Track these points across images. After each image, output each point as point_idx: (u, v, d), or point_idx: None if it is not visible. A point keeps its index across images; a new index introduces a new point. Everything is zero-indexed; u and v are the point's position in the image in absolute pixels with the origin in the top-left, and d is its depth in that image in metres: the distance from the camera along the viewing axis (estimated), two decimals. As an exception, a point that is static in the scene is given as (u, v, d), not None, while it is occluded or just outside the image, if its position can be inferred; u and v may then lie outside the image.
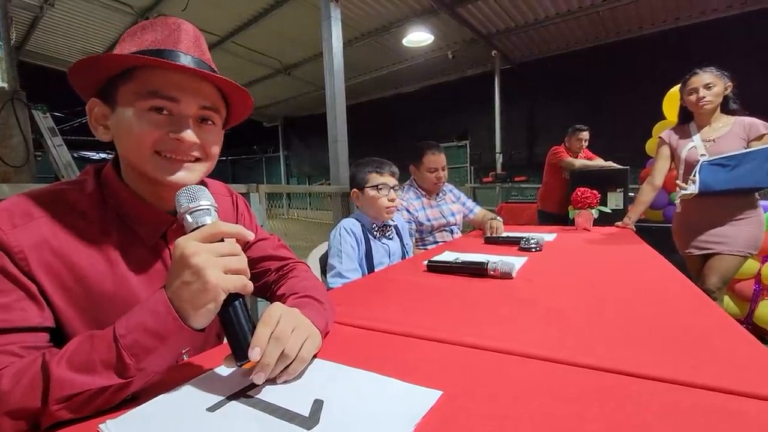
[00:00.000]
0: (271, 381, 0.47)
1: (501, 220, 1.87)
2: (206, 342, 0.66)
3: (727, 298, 2.19)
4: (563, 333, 0.61)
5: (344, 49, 3.79)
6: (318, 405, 0.42)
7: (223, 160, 14.55)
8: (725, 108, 1.74)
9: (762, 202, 1.73)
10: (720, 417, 0.38)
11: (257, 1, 5.16)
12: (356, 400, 0.43)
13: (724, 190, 1.61)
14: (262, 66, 7.49)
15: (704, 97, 1.68)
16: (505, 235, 1.71)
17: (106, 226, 0.54)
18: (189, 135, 0.53)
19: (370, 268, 1.32)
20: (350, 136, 3.72)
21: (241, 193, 0.80)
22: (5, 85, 3.30)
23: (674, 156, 1.88)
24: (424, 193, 1.97)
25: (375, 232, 1.41)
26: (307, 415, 0.40)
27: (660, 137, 1.93)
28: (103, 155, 11.50)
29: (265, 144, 13.73)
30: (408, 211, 1.86)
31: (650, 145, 3.12)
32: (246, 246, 0.70)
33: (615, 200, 2.68)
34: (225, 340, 0.48)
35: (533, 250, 1.38)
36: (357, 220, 1.38)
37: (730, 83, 1.70)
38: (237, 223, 0.71)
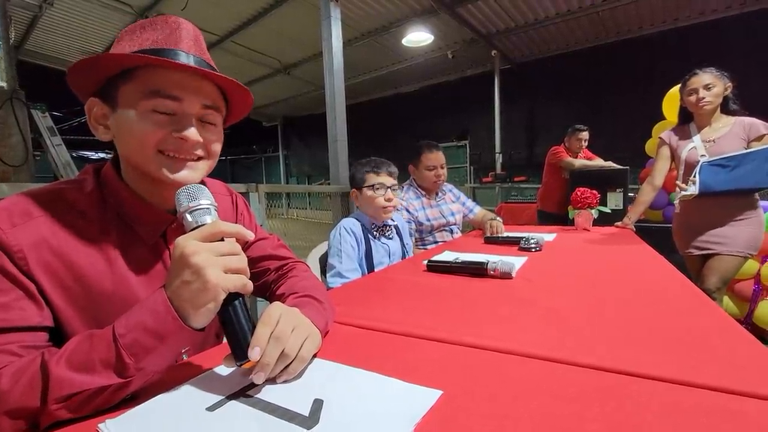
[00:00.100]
0: (271, 381, 0.47)
1: (501, 220, 1.87)
2: (206, 341, 0.66)
3: (726, 299, 2.20)
4: (563, 333, 0.61)
5: (344, 48, 3.78)
6: (318, 404, 0.42)
7: (223, 160, 14.50)
8: (725, 108, 1.74)
9: (762, 203, 1.73)
10: (720, 417, 0.38)
11: (257, 0, 5.16)
12: (356, 400, 0.43)
13: (724, 191, 1.61)
14: (261, 65, 7.49)
15: (704, 98, 1.68)
16: (504, 235, 1.71)
17: (105, 225, 0.54)
18: (192, 134, 0.53)
19: (370, 267, 1.32)
20: (350, 135, 3.72)
21: (240, 193, 0.80)
22: (4, 84, 3.29)
23: (674, 156, 1.88)
24: (423, 192, 1.97)
25: (375, 232, 1.41)
26: (307, 415, 0.40)
27: (660, 137, 1.93)
28: (102, 155, 11.48)
29: (265, 144, 13.72)
30: (408, 210, 1.86)
31: (650, 146, 3.12)
32: (245, 245, 0.69)
33: (615, 200, 2.68)
34: (224, 340, 0.48)
35: (533, 250, 1.38)
36: (357, 219, 1.38)
37: (729, 84, 1.70)
38: (236, 223, 0.72)
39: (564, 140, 3.21)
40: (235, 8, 5.30)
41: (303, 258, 0.83)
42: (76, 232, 0.51)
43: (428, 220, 1.90)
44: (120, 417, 0.40)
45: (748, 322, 2.19)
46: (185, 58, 0.53)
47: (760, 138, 1.63)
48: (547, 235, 1.75)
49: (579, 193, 1.96)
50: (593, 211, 1.96)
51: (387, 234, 1.44)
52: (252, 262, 0.57)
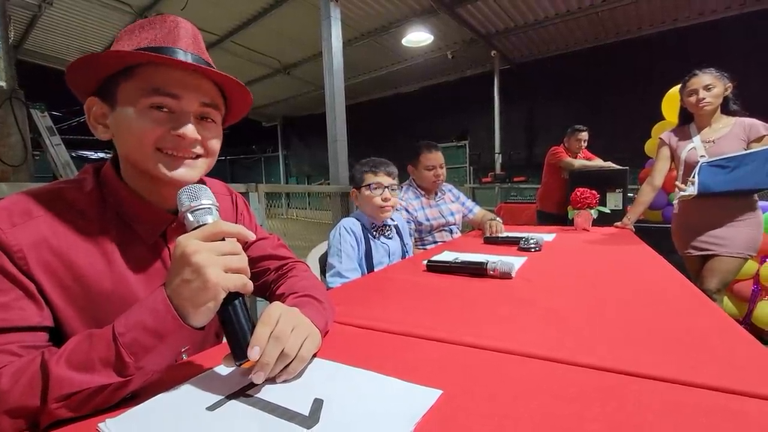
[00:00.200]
0: (271, 380, 0.47)
1: (500, 220, 1.87)
2: (205, 341, 0.66)
3: (725, 299, 2.20)
4: (563, 333, 0.61)
5: (344, 48, 3.78)
6: (318, 404, 0.42)
7: (222, 160, 14.54)
8: (725, 109, 1.74)
9: (761, 204, 1.73)
10: (721, 416, 0.38)
11: (257, 0, 5.16)
12: (356, 400, 0.43)
13: (723, 192, 1.61)
14: (261, 65, 7.48)
15: (704, 99, 1.68)
16: (504, 235, 1.71)
17: (105, 224, 0.54)
18: (190, 131, 0.53)
19: (370, 267, 1.32)
20: (349, 135, 3.72)
21: (240, 193, 0.80)
22: (3, 83, 3.29)
23: (674, 157, 1.88)
24: (423, 192, 1.97)
25: (374, 232, 1.41)
26: (307, 414, 0.40)
27: (660, 138, 1.93)
28: (101, 154, 11.48)
29: (264, 144, 13.71)
30: (407, 210, 1.86)
31: (649, 146, 3.13)
32: (246, 245, 0.70)
33: (614, 201, 2.68)
34: (224, 340, 0.48)
35: (532, 250, 1.38)
36: (357, 219, 1.38)
37: (730, 84, 1.70)
38: (236, 223, 0.72)
39: (563, 140, 3.21)
40: (234, 8, 5.30)
41: (302, 258, 0.83)
42: (76, 231, 0.51)
43: (427, 219, 1.90)
44: (120, 416, 0.40)
45: (747, 322, 2.19)
46: (184, 56, 0.53)
47: (759, 139, 1.63)
48: (546, 236, 1.75)
49: (578, 194, 1.96)
50: (593, 211, 1.96)
51: (387, 234, 1.44)
52: (252, 261, 0.57)
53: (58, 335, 0.50)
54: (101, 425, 0.38)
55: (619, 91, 6.25)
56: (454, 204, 2.06)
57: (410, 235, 1.79)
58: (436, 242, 1.92)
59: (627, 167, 2.81)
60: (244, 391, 0.45)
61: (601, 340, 0.58)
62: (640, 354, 0.52)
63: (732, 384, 0.43)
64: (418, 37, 5.77)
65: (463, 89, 8.07)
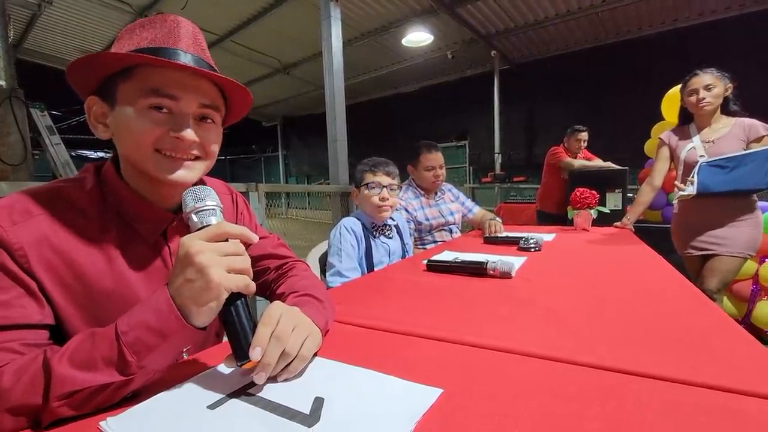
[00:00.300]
0: (272, 379, 0.47)
1: (500, 220, 1.87)
2: (206, 340, 0.66)
3: (725, 299, 2.20)
4: (563, 332, 0.61)
5: (344, 48, 3.78)
6: (319, 403, 0.42)
7: (222, 160, 14.53)
8: (725, 109, 1.74)
9: (760, 204, 1.74)
10: (720, 415, 0.38)
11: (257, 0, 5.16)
12: (357, 398, 0.43)
13: (723, 192, 1.61)
14: (261, 65, 7.48)
15: (704, 99, 1.69)
16: (504, 234, 1.71)
17: (105, 223, 0.54)
18: (189, 134, 0.53)
19: (370, 267, 1.32)
20: (349, 135, 3.72)
21: (240, 193, 0.80)
22: (3, 83, 3.29)
23: (673, 157, 1.88)
24: (422, 192, 1.97)
25: (375, 232, 1.41)
26: (308, 413, 0.40)
27: (660, 138, 1.93)
28: (101, 154, 11.46)
29: (264, 143, 13.71)
30: (407, 210, 1.87)
31: (649, 146, 3.13)
32: (247, 245, 0.70)
33: (614, 201, 2.68)
34: (225, 339, 0.48)
35: (532, 250, 1.38)
36: (357, 219, 1.38)
37: (730, 85, 1.70)
38: (236, 222, 0.72)
39: (563, 141, 3.21)
40: (234, 8, 5.30)
41: (302, 257, 0.84)
42: (77, 230, 0.51)
43: (427, 219, 1.90)
44: (121, 415, 0.40)
45: (746, 322, 2.20)
46: (184, 57, 0.53)
47: (759, 139, 1.63)
48: (546, 235, 1.75)
49: (578, 194, 1.96)
50: (592, 211, 1.96)
51: (387, 234, 1.44)
52: (252, 260, 0.57)
53: (58, 333, 0.50)
54: (102, 423, 0.39)
55: (618, 92, 6.26)
56: (454, 204, 2.06)
57: (410, 235, 1.79)
58: (435, 242, 1.92)
59: (626, 167, 2.81)
60: (245, 390, 0.45)
61: (600, 339, 0.58)
62: (640, 353, 0.52)
63: (732, 383, 0.44)
64: (418, 37, 5.78)
65: (463, 89, 8.08)
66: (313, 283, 0.70)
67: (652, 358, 0.51)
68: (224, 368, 0.50)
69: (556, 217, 3.04)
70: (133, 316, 0.42)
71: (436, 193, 2.01)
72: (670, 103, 2.70)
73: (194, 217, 0.47)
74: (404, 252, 1.50)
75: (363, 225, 1.37)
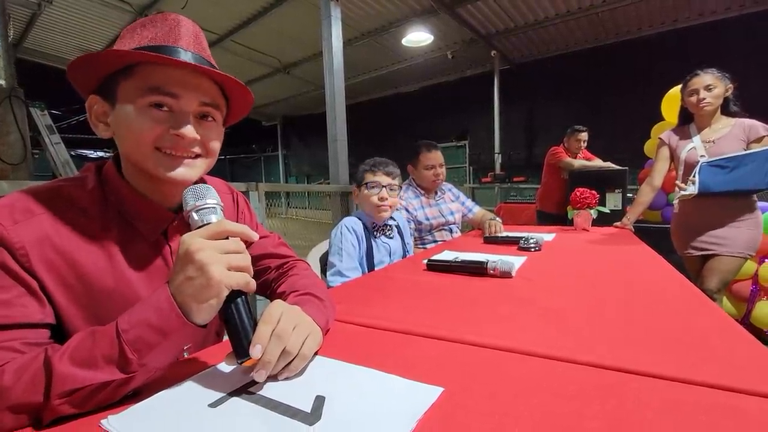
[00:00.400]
0: (273, 378, 0.47)
1: (500, 220, 1.87)
2: (207, 339, 0.66)
3: (724, 299, 2.20)
4: (563, 331, 0.62)
5: (344, 48, 3.78)
6: (320, 401, 0.42)
7: (222, 159, 14.52)
8: (725, 110, 1.74)
9: (760, 204, 1.74)
10: (720, 414, 0.38)
11: (257, -1, 5.16)
12: (358, 397, 0.43)
13: (723, 192, 1.61)
14: (261, 65, 7.48)
15: (704, 99, 1.69)
16: (504, 234, 1.71)
17: (106, 222, 0.54)
18: (189, 131, 0.53)
19: (371, 266, 1.32)
20: (349, 135, 3.72)
21: (240, 192, 0.80)
22: (3, 82, 3.29)
23: (673, 157, 1.88)
24: (422, 192, 1.97)
25: (376, 231, 1.41)
26: (309, 411, 0.40)
27: (660, 138, 1.93)
28: (101, 153, 11.46)
29: (264, 143, 13.70)
30: (407, 210, 1.87)
31: (649, 146, 3.13)
32: (247, 244, 0.70)
33: (614, 201, 2.69)
34: (225, 338, 0.48)
35: (532, 249, 1.38)
36: (358, 218, 1.38)
37: (730, 85, 1.70)
38: (237, 221, 0.72)
39: (563, 141, 3.21)
40: (235, 7, 5.30)
41: (302, 257, 0.84)
42: (78, 229, 0.51)
43: (427, 219, 1.90)
44: (122, 413, 0.40)
45: (745, 322, 2.20)
46: (184, 55, 0.53)
47: (759, 140, 1.63)
48: (546, 235, 1.75)
49: (578, 194, 1.96)
50: (592, 211, 1.97)
51: (388, 233, 1.45)
52: (253, 260, 0.57)
53: (59, 332, 0.50)
54: (104, 422, 0.39)
55: (618, 92, 6.26)
56: (454, 203, 2.06)
57: (410, 235, 1.80)
58: (436, 242, 1.92)
59: (626, 167, 2.82)
60: (246, 388, 0.45)
61: (600, 338, 0.58)
62: (640, 352, 0.53)
63: (731, 382, 0.44)
64: (418, 37, 5.78)
65: (463, 89, 8.08)
66: (314, 282, 0.70)
67: (652, 357, 0.51)
68: (225, 367, 0.50)
69: (556, 217, 3.05)
70: (134, 314, 0.42)
71: (436, 193, 2.01)
72: (670, 103, 2.71)
73: (195, 215, 0.48)
74: (405, 252, 1.50)
75: (364, 225, 1.37)
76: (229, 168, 15.23)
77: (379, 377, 0.47)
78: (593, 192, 1.96)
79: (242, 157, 14.75)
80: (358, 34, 6.13)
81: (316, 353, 0.53)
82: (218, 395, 0.44)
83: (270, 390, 0.45)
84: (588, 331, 0.61)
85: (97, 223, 0.53)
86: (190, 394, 0.44)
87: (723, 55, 4.22)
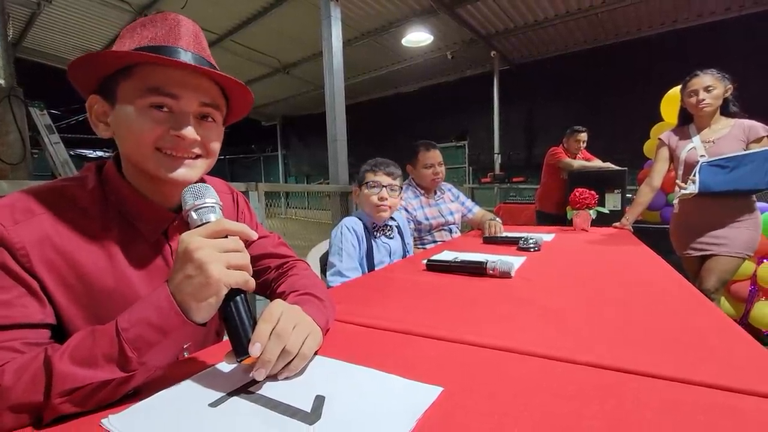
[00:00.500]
0: (273, 377, 0.47)
1: (500, 220, 1.87)
2: (206, 339, 0.66)
3: (723, 299, 2.21)
4: (562, 331, 0.62)
5: (344, 48, 3.78)
6: (320, 401, 0.42)
7: (221, 159, 14.49)
8: (725, 110, 1.74)
9: (759, 204, 1.74)
10: (719, 413, 0.39)
11: (257, -1, 5.16)
12: (358, 396, 0.43)
13: (723, 192, 1.61)
14: (261, 65, 7.47)
15: (704, 100, 1.69)
16: (503, 234, 1.71)
17: (107, 222, 0.54)
18: (189, 132, 0.53)
19: (371, 266, 1.33)
20: (349, 135, 3.72)
21: (240, 192, 0.80)
22: (2, 81, 3.28)
23: (673, 157, 1.89)
24: (422, 191, 1.97)
25: (376, 231, 1.41)
26: (309, 411, 0.40)
27: (659, 138, 1.94)
28: (100, 153, 11.45)
29: (264, 143, 13.69)
30: (406, 210, 1.87)
31: (648, 147, 3.14)
32: (246, 244, 0.70)
33: (613, 201, 2.69)
34: (225, 337, 0.48)
35: (532, 249, 1.39)
36: (359, 218, 1.38)
37: (730, 86, 1.70)
38: (237, 220, 0.72)
39: (562, 141, 3.22)
40: (234, 7, 5.29)
41: (302, 257, 0.84)
42: (78, 229, 0.51)
43: (427, 219, 1.90)
44: (123, 412, 0.40)
45: (744, 322, 2.20)
46: (184, 55, 0.53)
47: (759, 140, 1.64)
48: (545, 236, 1.75)
49: (577, 194, 1.97)
50: (591, 211, 1.97)
51: (388, 234, 1.45)
52: (252, 259, 0.57)
53: (60, 332, 0.50)
54: (104, 421, 0.39)
55: (618, 92, 6.26)
56: (454, 203, 2.06)
57: (410, 235, 1.80)
58: (435, 242, 1.92)
59: (626, 168, 2.82)
60: (246, 388, 0.45)
61: (599, 338, 0.58)
62: (639, 352, 0.53)
63: (730, 382, 0.44)
64: (417, 37, 5.78)
65: (462, 89, 8.08)
66: (314, 282, 0.70)
67: (651, 357, 0.51)
68: (225, 366, 0.50)
69: (555, 217, 3.05)
70: (134, 312, 0.42)
71: (435, 193, 2.02)
72: (670, 103, 2.71)
73: (194, 215, 0.48)
74: (405, 252, 1.50)
75: (364, 225, 1.37)
76: (228, 168, 15.22)
77: (379, 377, 0.47)
78: (592, 192, 1.97)
79: (242, 157, 14.75)
80: (358, 34, 6.13)
81: (315, 353, 0.53)
82: (218, 395, 0.44)
83: (270, 389, 0.45)
84: (587, 331, 0.61)
85: (98, 223, 0.53)
86: (190, 393, 0.44)
87: (722, 55, 4.23)
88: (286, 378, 0.47)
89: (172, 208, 0.60)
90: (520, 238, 1.45)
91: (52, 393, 0.38)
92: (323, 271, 1.34)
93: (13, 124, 3.26)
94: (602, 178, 2.76)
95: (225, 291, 0.44)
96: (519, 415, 0.39)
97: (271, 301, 0.57)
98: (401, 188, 1.44)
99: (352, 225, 1.33)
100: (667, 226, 1.99)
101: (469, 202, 2.13)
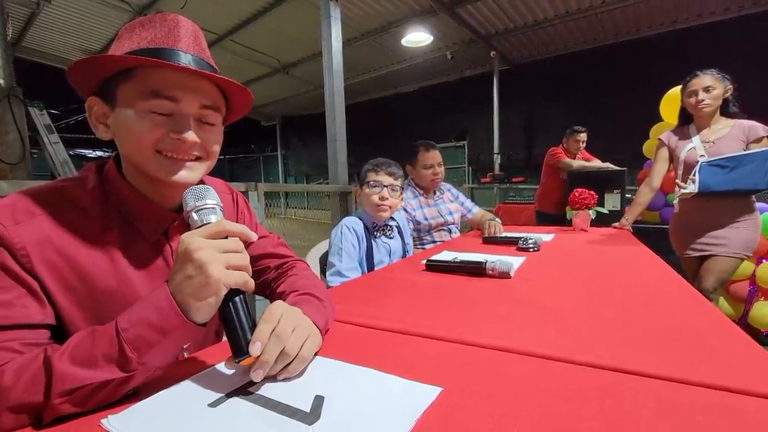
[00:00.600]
0: (272, 378, 0.47)
1: (499, 220, 1.87)
2: (206, 339, 0.66)
3: (721, 299, 2.21)
4: (561, 331, 0.62)
5: (343, 48, 3.78)
6: (319, 401, 0.42)
7: (221, 159, 14.41)
8: (725, 111, 1.74)
9: (759, 205, 1.74)
10: (717, 414, 0.39)
11: (256, -1, 5.16)
12: (357, 397, 0.43)
13: (723, 191, 1.62)
14: (260, 65, 7.48)
15: (703, 100, 1.69)
16: (503, 235, 1.71)
17: (107, 222, 0.54)
18: (190, 135, 0.53)
19: (370, 266, 1.33)
20: (349, 135, 3.72)
21: (240, 192, 0.80)
22: (1, 81, 3.28)
23: (673, 157, 1.89)
24: (421, 192, 1.98)
25: (376, 231, 1.41)
26: (308, 411, 0.40)
27: (659, 139, 1.94)
28: (99, 153, 11.44)
29: (263, 143, 13.69)
30: (405, 210, 1.87)
31: (648, 147, 3.14)
32: (246, 244, 0.70)
33: (612, 201, 2.69)
34: (225, 338, 0.48)
35: (531, 250, 1.39)
36: (359, 218, 1.38)
37: (730, 86, 1.70)
38: (237, 221, 0.72)
39: (562, 141, 3.22)
40: (234, 7, 5.29)
41: (301, 257, 0.84)
42: (79, 229, 0.51)
43: (426, 219, 1.90)
44: (123, 412, 0.40)
45: (743, 322, 2.21)
46: (184, 58, 0.53)
47: (759, 140, 1.64)
48: (545, 236, 1.75)
49: (577, 194, 1.97)
50: (591, 211, 1.97)
51: (388, 234, 1.45)
52: (252, 260, 0.58)
53: (59, 333, 0.50)
54: (104, 421, 0.39)
55: (617, 92, 6.27)
56: (453, 204, 2.07)
57: (410, 235, 1.80)
58: (434, 242, 1.92)
59: (625, 168, 2.82)
60: (245, 388, 0.45)
61: (598, 338, 0.58)
62: (638, 352, 0.53)
63: (728, 382, 0.44)
64: (417, 38, 5.78)
65: (462, 89, 8.08)
66: (313, 282, 0.70)
67: (650, 357, 0.51)
68: (224, 366, 0.50)
69: (554, 217, 3.05)
70: (134, 313, 0.42)
71: (435, 193, 2.02)
72: (669, 104, 2.71)
73: (194, 216, 0.48)
74: (405, 252, 1.50)
75: (364, 224, 1.37)
76: (228, 168, 15.22)
77: (378, 377, 0.47)
78: (592, 192, 1.97)
79: (241, 157, 14.75)
80: (358, 34, 6.13)
81: (315, 354, 0.53)
82: (218, 395, 0.44)
83: (269, 390, 0.45)
84: (586, 332, 0.61)
85: (98, 223, 0.53)
86: (189, 393, 0.45)
87: (722, 56, 4.24)
88: (285, 379, 0.47)
89: (172, 209, 0.60)
90: (520, 238, 1.45)
91: (51, 393, 0.38)
92: (323, 271, 1.34)
93: (13, 123, 3.26)
94: (602, 179, 2.76)
95: (224, 291, 0.44)
96: (518, 416, 0.39)
97: (270, 301, 0.57)
98: (402, 189, 1.44)
99: (352, 225, 1.33)
100: (667, 227, 2.00)
101: (468, 203, 2.14)
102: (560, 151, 3.16)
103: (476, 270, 1.02)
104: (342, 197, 3.21)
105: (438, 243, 1.88)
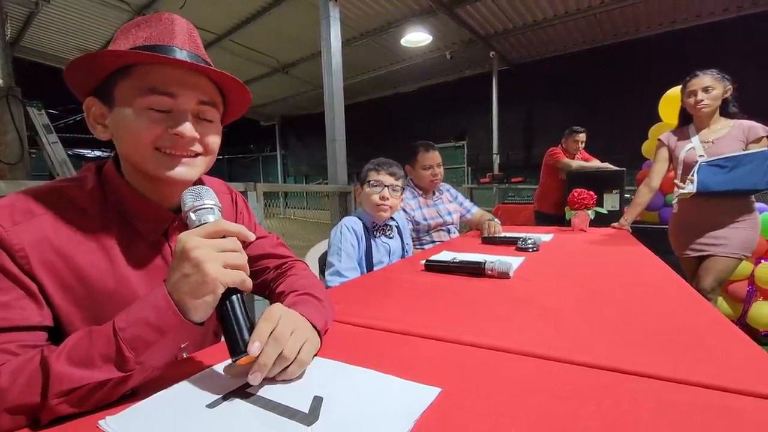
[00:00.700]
0: (270, 379, 0.47)
1: (498, 220, 1.87)
2: (204, 339, 0.66)
3: (720, 299, 2.21)
4: (560, 332, 0.62)
5: (343, 48, 3.78)
6: (318, 402, 0.42)
7: (220, 159, 14.42)
8: (724, 111, 1.75)
9: (758, 205, 1.74)
10: (716, 414, 0.39)
11: (256, -1, 5.15)
12: (356, 397, 0.43)
13: (722, 191, 1.62)
14: (259, 65, 7.46)
15: (702, 101, 1.69)
16: (502, 235, 1.71)
17: (106, 222, 0.54)
18: (188, 129, 0.53)
19: (370, 266, 1.33)
20: (348, 135, 3.72)
21: (239, 192, 0.80)
22: (0, 81, 3.27)
23: (672, 157, 1.89)
24: (420, 192, 1.98)
25: (375, 231, 1.41)
26: (307, 412, 0.40)
27: (659, 139, 1.94)
28: (98, 153, 11.42)
29: (262, 143, 13.67)
30: (404, 210, 1.87)
31: (647, 147, 3.14)
32: (245, 244, 0.70)
33: (611, 201, 2.70)
34: (223, 338, 0.48)
35: (530, 250, 1.39)
36: (359, 218, 1.38)
37: (730, 86, 1.71)
38: (236, 221, 0.72)
39: (561, 141, 3.22)
40: (233, 7, 5.28)
41: (301, 257, 0.84)
42: (78, 230, 0.51)
43: (425, 219, 1.90)
44: (120, 413, 0.40)
45: (741, 322, 2.21)
46: (180, 54, 0.53)
47: (758, 140, 1.64)
48: (544, 236, 1.76)
49: (576, 194, 1.97)
50: (590, 212, 1.97)
51: (388, 233, 1.45)
52: (251, 260, 0.58)
53: (57, 334, 0.49)
54: (101, 422, 0.39)
55: (616, 93, 6.27)
56: (452, 204, 2.07)
57: (409, 235, 1.80)
58: (434, 242, 1.92)
59: (624, 168, 2.83)
60: (243, 389, 0.45)
61: (597, 339, 0.58)
62: (636, 353, 0.53)
63: (727, 382, 0.44)
64: (416, 38, 5.78)
65: (461, 90, 8.08)
66: (313, 282, 0.70)
67: (649, 357, 0.51)
68: (223, 367, 0.50)
69: (553, 217, 3.06)
70: (131, 312, 0.42)
71: (434, 193, 2.02)
72: (668, 104, 2.71)
73: (192, 215, 0.48)
74: (404, 252, 1.50)
75: (364, 224, 1.37)
76: (227, 168, 15.19)
77: (377, 378, 0.47)
78: (591, 193, 1.97)
79: (240, 157, 14.73)
80: (357, 34, 6.13)
81: (314, 357, 0.53)
82: (216, 396, 0.44)
83: (268, 391, 0.45)
84: (585, 332, 0.62)
85: (97, 223, 0.53)
86: (187, 394, 0.44)
87: (721, 56, 4.23)
88: (284, 381, 0.47)
89: (171, 208, 0.59)
90: (519, 238, 1.45)
91: (49, 394, 0.38)
92: (322, 271, 1.34)
93: (11, 123, 3.25)
94: (601, 179, 2.76)
95: (222, 289, 0.44)
96: (516, 416, 0.39)
97: (270, 301, 0.57)
98: (403, 189, 1.44)
99: (351, 224, 1.33)
100: (666, 227, 2.00)
101: (467, 203, 2.14)
102: (559, 151, 3.16)
103: (475, 270, 1.02)
104: (341, 197, 3.21)
105: (437, 243, 1.88)
